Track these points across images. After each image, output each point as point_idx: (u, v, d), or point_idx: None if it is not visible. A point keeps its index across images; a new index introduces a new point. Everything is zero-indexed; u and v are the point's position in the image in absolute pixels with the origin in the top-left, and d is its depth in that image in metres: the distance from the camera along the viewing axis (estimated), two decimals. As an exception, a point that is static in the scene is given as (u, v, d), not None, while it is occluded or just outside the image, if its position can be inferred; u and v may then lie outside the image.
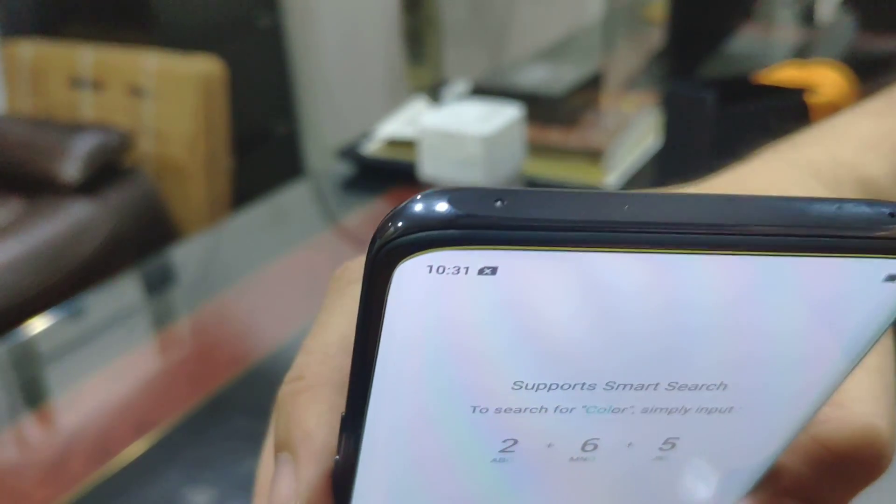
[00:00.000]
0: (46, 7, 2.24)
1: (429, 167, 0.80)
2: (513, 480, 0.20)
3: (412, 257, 0.15)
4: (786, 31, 1.33)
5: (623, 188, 0.87)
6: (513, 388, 0.17)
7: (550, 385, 0.17)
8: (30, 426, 0.63)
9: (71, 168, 1.80)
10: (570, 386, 0.17)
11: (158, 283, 0.83)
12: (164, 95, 1.92)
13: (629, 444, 0.19)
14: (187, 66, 1.91)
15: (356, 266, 0.24)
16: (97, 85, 1.99)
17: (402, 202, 0.16)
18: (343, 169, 0.98)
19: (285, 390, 0.23)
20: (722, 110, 0.73)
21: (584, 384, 0.17)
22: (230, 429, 0.58)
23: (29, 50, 2.06)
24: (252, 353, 0.68)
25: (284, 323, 0.72)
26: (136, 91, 1.94)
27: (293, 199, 0.97)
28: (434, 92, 1.13)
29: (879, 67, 1.00)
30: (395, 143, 0.97)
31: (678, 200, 0.16)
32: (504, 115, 0.79)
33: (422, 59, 2.06)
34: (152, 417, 0.61)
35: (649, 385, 0.18)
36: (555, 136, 0.92)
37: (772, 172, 0.29)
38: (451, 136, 0.78)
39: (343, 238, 0.85)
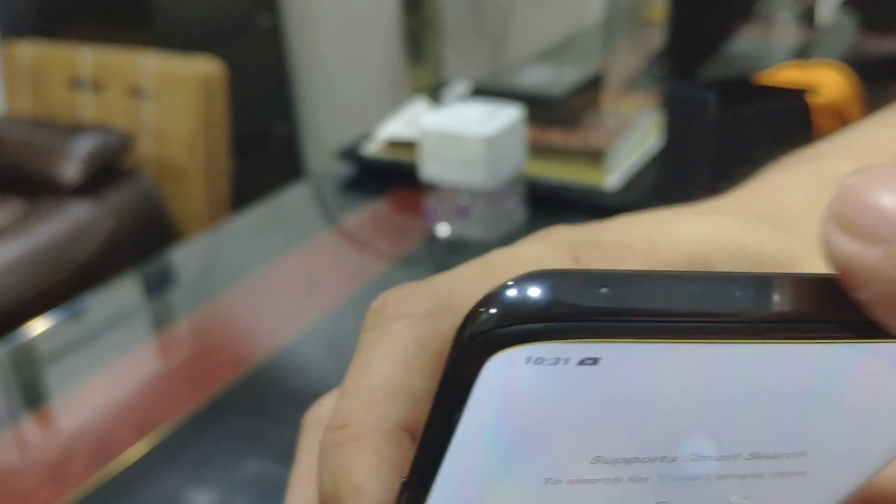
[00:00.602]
0: (46, 8, 2.24)
1: (430, 168, 0.80)
2: None
3: (509, 349, 0.15)
4: (786, 31, 1.32)
5: (623, 189, 0.87)
6: (591, 463, 0.17)
7: (631, 459, 0.17)
8: (31, 427, 0.63)
9: (71, 169, 1.80)
10: (651, 459, 0.17)
11: (158, 285, 0.83)
12: (163, 96, 1.92)
13: None
14: (187, 67, 1.91)
15: (397, 301, 0.23)
16: (97, 86, 1.99)
17: (495, 287, 0.15)
18: (343, 170, 0.98)
19: (330, 438, 0.21)
20: (723, 111, 0.73)
21: (666, 457, 0.17)
22: (231, 430, 0.58)
23: (29, 51, 2.06)
24: (253, 354, 0.68)
25: (285, 324, 0.72)
26: (135, 92, 1.94)
27: (293, 200, 0.96)
28: (434, 93, 1.13)
29: (880, 68, 1.00)
30: (395, 144, 0.97)
31: (785, 287, 0.16)
32: (505, 116, 0.79)
33: (422, 59, 2.06)
34: (153, 418, 0.61)
35: (731, 456, 0.18)
36: (555, 136, 0.92)
37: (802, 189, 0.29)
38: (452, 137, 0.78)
39: (343, 239, 0.85)
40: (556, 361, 0.15)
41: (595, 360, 0.15)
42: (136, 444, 0.58)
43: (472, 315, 0.15)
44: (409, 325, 0.22)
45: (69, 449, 0.59)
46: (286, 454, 0.55)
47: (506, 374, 0.15)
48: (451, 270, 0.25)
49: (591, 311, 0.14)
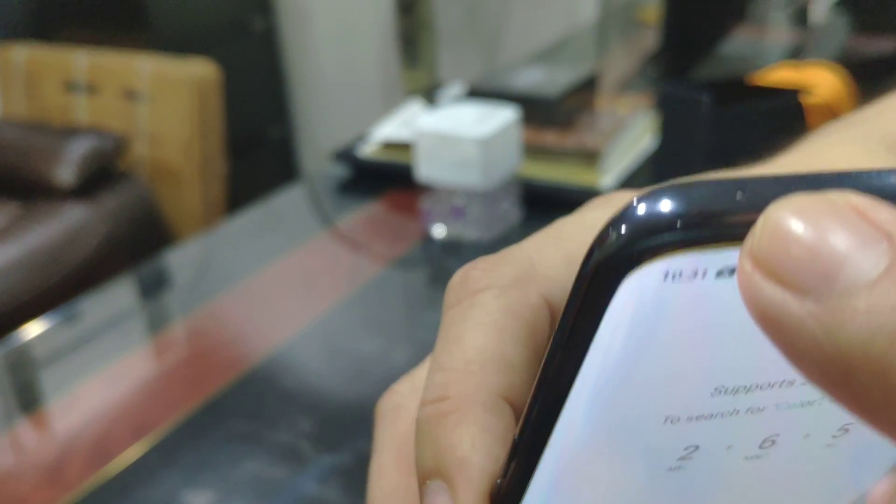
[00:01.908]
0: (41, 11, 2.24)
1: (425, 169, 0.80)
2: (684, 486, 0.19)
3: (646, 265, 0.14)
4: (780, 32, 1.33)
5: (619, 190, 0.87)
6: (711, 395, 0.16)
7: (750, 386, 0.16)
8: (27, 430, 0.63)
9: (65, 172, 1.80)
10: (769, 385, 0.16)
11: (154, 287, 0.83)
12: (158, 99, 1.92)
13: (806, 436, 0.18)
14: (181, 70, 1.91)
15: (480, 274, 0.23)
16: (91, 89, 1.99)
17: (620, 207, 0.14)
18: (338, 171, 0.98)
19: (428, 412, 0.21)
20: (717, 112, 0.74)
21: (783, 381, 0.16)
22: (228, 431, 0.58)
23: (23, 54, 2.06)
24: (249, 356, 0.68)
25: (281, 326, 0.72)
26: (130, 95, 1.94)
27: (288, 202, 0.97)
28: (429, 94, 1.13)
29: (873, 68, 1.00)
30: (390, 146, 0.97)
31: None
32: (500, 118, 0.79)
33: (416, 61, 2.06)
34: (150, 420, 0.61)
35: None
36: (550, 137, 0.92)
37: (845, 147, 0.29)
38: (447, 139, 0.78)
39: (339, 241, 0.85)
40: (694, 275, 0.14)
41: (732, 271, 0.14)
42: (133, 446, 0.58)
43: (602, 236, 0.14)
44: (496, 296, 0.22)
45: (66, 451, 0.59)
46: (283, 455, 0.55)
47: (641, 296, 0.14)
48: (521, 242, 0.24)
49: (731, 213, 0.13)
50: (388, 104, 1.63)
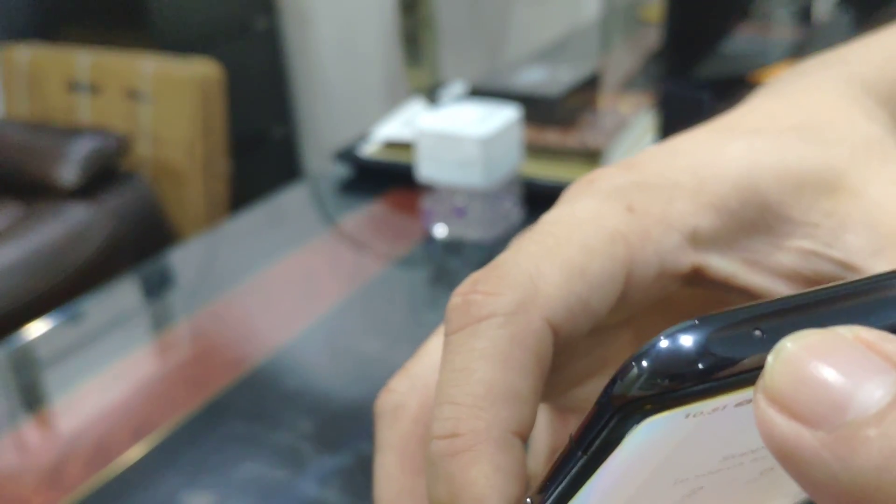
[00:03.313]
0: (43, 11, 2.24)
1: (426, 169, 0.80)
2: None
3: (668, 412, 0.15)
4: (782, 30, 1.32)
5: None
6: (721, 461, 0.17)
7: (758, 448, 0.17)
8: (28, 431, 0.63)
9: (68, 172, 1.81)
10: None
11: (156, 287, 0.83)
12: (161, 99, 1.92)
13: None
14: (184, 70, 1.91)
15: (482, 299, 0.23)
16: (94, 89, 1.99)
17: (645, 346, 0.15)
18: (340, 171, 0.98)
19: (441, 448, 0.21)
20: (719, 110, 0.73)
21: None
22: (228, 433, 0.58)
23: (26, 54, 2.06)
24: (250, 356, 0.68)
25: (282, 326, 0.72)
26: (133, 94, 1.95)
27: (291, 201, 0.96)
28: (431, 93, 1.13)
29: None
30: (392, 145, 0.96)
31: None
32: (501, 117, 0.79)
33: (419, 60, 2.06)
34: (150, 421, 0.60)
35: None
36: (552, 137, 0.92)
37: (829, 93, 0.28)
38: (448, 138, 0.78)
39: (341, 240, 0.85)
40: (714, 410, 0.15)
41: (750, 400, 0.14)
42: (134, 447, 0.58)
43: (625, 370, 0.15)
44: (500, 325, 0.22)
45: (66, 452, 0.59)
46: (283, 456, 0.55)
47: (662, 430, 0.15)
48: (516, 249, 0.24)
49: (748, 355, 0.14)
50: (391, 103, 1.63)
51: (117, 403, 0.64)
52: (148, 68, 1.93)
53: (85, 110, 2.00)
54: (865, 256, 0.24)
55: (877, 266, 0.24)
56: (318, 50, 2.49)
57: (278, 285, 0.78)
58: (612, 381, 0.15)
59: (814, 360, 0.13)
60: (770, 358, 0.14)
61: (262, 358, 0.67)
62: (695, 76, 1.04)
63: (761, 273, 0.25)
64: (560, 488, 0.17)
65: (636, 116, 0.96)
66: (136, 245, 1.81)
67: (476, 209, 0.80)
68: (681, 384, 0.14)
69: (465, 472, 0.21)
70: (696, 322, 0.14)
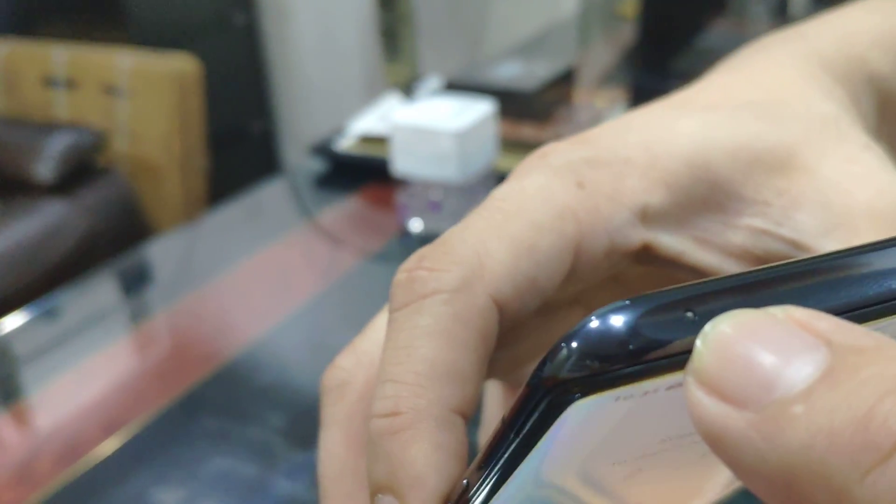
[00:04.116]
0: (20, 6, 2.22)
1: (401, 163, 0.80)
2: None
3: (599, 395, 0.14)
4: (759, 25, 1.33)
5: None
6: (660, 442, 0.17)
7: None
8: (-2, 427, 0.63)
9: (45, 168, 1.79)
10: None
11: (131, 282, 0.83)
12: (138, 94, 1.91)
13: None
14: (162, 65, 1.90)
15: (426, 275, 0.22)
16: (71, 84, 1.98)
17: (575, 327, 0.14)
18: (317, 165, 0.98)
19: (381, 426, 0.21)
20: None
21: None
22: (200, 428, 0.58)
23: (2, 49, 2.05)
24: (224, 351, 0.67)
25: (257, 321, 0.71)
26: (110, 90, 1.93)
27: (268, 196, 0.96)
28: (407, 87, 1.13)
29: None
30: (367, 140, 0.96)
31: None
32: (476, 111, 0.79)
33: (398, 55, 2.06)
34: (122, 417, 0.60)
35: None
36: (528, 131, 0.92)
37: (786, 70, 0.28)
38: (423, 132, 0.78)
39: (317, 235, 0.84)
40: (645, 394, 0.14)
41: (680, 383, 0.14)
42: (104, 443, 0.58)
43: (555, 353, 0.15)
44: (444, 302, 0.22)
45: (37, 448, 0.59)
46: (255, 452, 0.55)
47: (591, 412, 0.15)
48: (464, 225, 0.24)
49: (679, 337, 0.14)
50: (370, 98, 1.63)
51: (89, 399, 0.63)
52: (125, 63, 1.92)
53: (61, 106, 1.99)
54: (816, 236, 0.24)
55: (827, 246, 0.24)
56: (297, 45, 2.48)
57: (254, 280, 0.78)
58: (543, 362, 0.15)
59: (742, 339, 0.13)
60: (699, 339, 0.13)
61: (236, 353, 0.67)
62: (670, 70, 1.04)
63: (711, 251, 0.25)
64: (495, 470, 0.17)
65: (612, 111, 0.96)
66: (114, 241, 1.80)
67: (451, 203, 0.79)
68: (610, 366, 0.14)
69: (405, 450, 0.20)
70: (628, 303, 0.14)
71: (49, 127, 1.90)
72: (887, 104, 0.30)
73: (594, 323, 0.14)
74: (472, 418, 0.22)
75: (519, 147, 0.91)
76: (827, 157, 0.25)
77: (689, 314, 0.14)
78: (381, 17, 2.07)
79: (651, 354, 0.14)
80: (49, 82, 1.99)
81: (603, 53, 1.32)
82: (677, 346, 0.14)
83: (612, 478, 0.18)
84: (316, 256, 0.82)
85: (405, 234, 0.82)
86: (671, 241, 0.25)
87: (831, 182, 0.24)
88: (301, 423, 0.58)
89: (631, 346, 0.14)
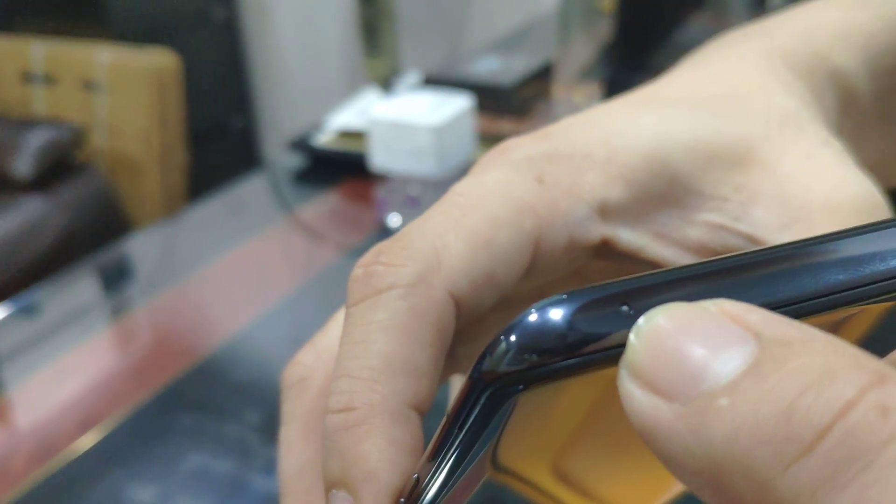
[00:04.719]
0: (-4, 1, 2.21)
1: (379, 158, 0.80)
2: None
3: (538, 388, 0.15)
4: (737, 19, 1.33)
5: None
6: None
7: None
8: (-27, 425, 0.62)
9: (23, 164, 1.78)
10: None
11: (109, 277, 0.82)
12: (117, 89, 1.90)
13: None
14: (141, 60, 1.89)
15: (383, 270, 0.22)
16: (49, 79, 1.96)
17: (514, 321, 0.15)
18: (296, 160, 0.98)
19: (335, 422, 0.21)
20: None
21: None
22: (176, 424, 0.58)
23: (-22, 44, 2.03)
24: (201, 347, 0.67)
25: (235, 316, 0.71)
26: (88, 85, 1.92)
27: (249, 191, 0.96)
28: (386, 83, 1.13)
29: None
30: (346, 134, 0.96)
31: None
32: (454, 106, 0.79)
33: (379, 50, 2.06)
34: (97, 414, 0.60)
35: None
36: (506, 126, 0.92)
37: (748, 66, 0.28)
38: (400, 127, 0.77)
39: (296, 230, 0.84)
40: (587, 386, 0.15)
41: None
42: (79, 440, 0.57)
43: (494, 347, 0.15)
44: (400, 297, 0.22)
45: (11, 445, 0.58)
46: (230, 448, 0.55)
47: (534, 402, 0.15)
48: (422, 220, 0.24)
49: (615, 331, 0.14)
50: (351, 93, 1.63)
51: (66, 395, 0.63)
52: (104, 59, 1.91)
53: (40, 101, 1.98)
54: (773, 231, 0.24)
55: (784, 241, 0.24)
56: (278, 40, 2.47)
57: (233, 275, 0.78)
58: (483, 356, 0.15)
59: (674, 332, 0.13)
60: (632, 333, 0.14)
61: (214, 348, 0.67)
62: (648, 65, 1.04)
63: (670, 246, 0.25)
64: (443, 464, 0.17)
65: (589, 105, 0.96)
66: (93, 237, 1.79)
67: (430, 198, 0.79)
68: (548, 359, 0.14)
69: (358, 445, 0.20)
70: (565, 297, 0.14)
71: (27, 123, 1.88)
72: (849, 99, 0.30)
73: (532, 316, 0.14)
74: (427, 413, 0.22)
75: (497, 142, 0.91)
76: (785, 152, 0.25)
77: (625, 308, 0.14)
78: (361, 12, 2.07)
79: (588, 348, 0.14)
80: (27, 78, 1.98)
81: (582, 48, 1.33)
82: (613, 339, 0.14)
83: (570, 462, 0.18)
84: (295, 251, 0.82)
85: (384, 229, 0.82)
86: (630, 236, 0.25)
87: (789, 177, 0.24)
88: (278, 419, 0.57)
89: (568, 340, 0.14)
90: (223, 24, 2.39)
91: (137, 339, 0.71)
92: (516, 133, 0.89)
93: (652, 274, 0.15)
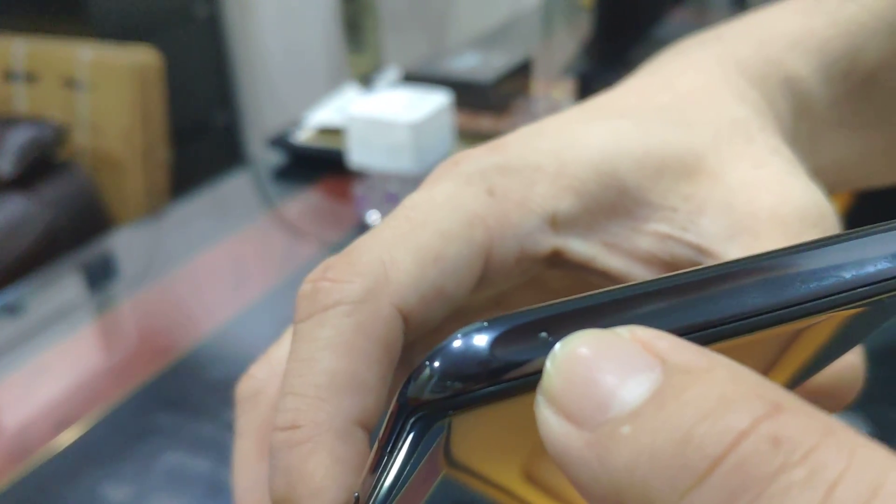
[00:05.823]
0: (-24, -1, 2.19)
1: (358, 155, 0.80)
2: None
3: (459, 415, 0.15)
4: (717, 14, 1.34)
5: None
6: None
7: None
8: (-51, 426, 0.62)
9: (4, 162, 1.77)
10: None
11: (93, 275, 0.82)
12: (99, 87, 1.89)
13: None
14: (123, 58, 1.88)
15: (330, 287, 0.22)
16: (30, 77, 1.95)
17: (437, 349, 0.15)
18: (277, 157, 0.98)
19: (281, 440, 0.21)
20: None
21: None
22: (151, 424, 0.58)
23: (-41, 43, 2.02)
24: (180, 344, 0.67)
25: (213, 314, 0.71)
26: (70, 83, 1.91)
27: (231, 188, 0.96)
28: (366, 79, 1.13)
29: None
30: (325, 131, 0.96)
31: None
32: (433, 103, 0.79)
33: (361, 47, 2.05)
34: (73, 413, 0.60)
35: None
36: (485, 122, 0.92)
37: (701, 73, 0.28)
38: (378, 124, 0.77)
39: (277, 228, 0.84)
40: (510, 413, 0.15)
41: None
42: (54, 440, 0.57)
43: (418, 374, 0.15)
44: (347, 313, 0.22)
45: (-13, 446, 0.58)
46: (205, 447, 0.55)
47: (460, 425, 0.15)
48: (371, 235, 0.24)
49: (534, 359, 0.14)
50: (333, 90, 1.62)
51: (43, 394, 0.63)
52: (85, 56, 1.90)
53: (21, 99, 1.97)
54: (720, 241, 0.24)
55: (730, 251, 0.24)
56: (260, 37, 2.47)
57: (214, 272, 0.78)
58: (408, 380, 0.15)
59: (586, 359, 0.13)
60: (548, 360, 0.14)
61: (192, 346, 0.67)
62: (627, 61, 1.05)
63: (620, 256, 0.25)
64: (381, 484, 0.17)
65: (569, 102, 0.96)
66: (75, 236, 1.78)
67: (408, 195, 0.79)
68: (471, 386, 0.14)
69: (304, 463, 0.20)
70: (486, 324, 0.14)
71: (8, 121, 1.87)
72: (804, 105, 0.30)
73: (456, 343, 0.14)
74: (375, 428, 0.22)
75: (476, 138, 0.91)
76: (734, 161, 0.25)
77: (544, 334, 0.14)
78: (344, 9, 2.06)
79: (508, 374, 0.14)
80: (8, 76, 1.97)
81: (564, 44, 1.33)
82: (533, 365, 0.14)
83: (540, 466, 0.18)
84: (276, 248, 0.82)
85: (363, 226, 0.82)
86: (581, 247, 0.25)
87: (736, 187, 0.24)
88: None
89: (490, 367, 0.14)
90: (205, 22, 2.38)
91: (117, 337, 0.71)
92: (495, 129, 0.90)
93: (573, 300, 0.15)
